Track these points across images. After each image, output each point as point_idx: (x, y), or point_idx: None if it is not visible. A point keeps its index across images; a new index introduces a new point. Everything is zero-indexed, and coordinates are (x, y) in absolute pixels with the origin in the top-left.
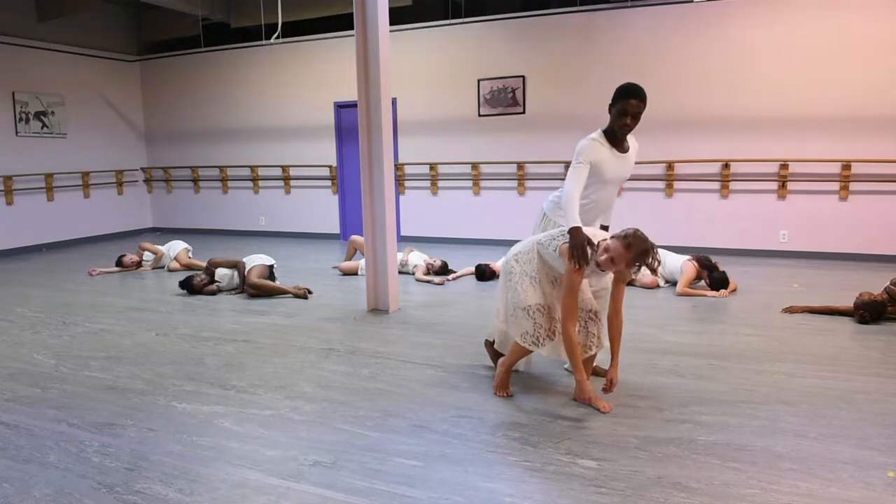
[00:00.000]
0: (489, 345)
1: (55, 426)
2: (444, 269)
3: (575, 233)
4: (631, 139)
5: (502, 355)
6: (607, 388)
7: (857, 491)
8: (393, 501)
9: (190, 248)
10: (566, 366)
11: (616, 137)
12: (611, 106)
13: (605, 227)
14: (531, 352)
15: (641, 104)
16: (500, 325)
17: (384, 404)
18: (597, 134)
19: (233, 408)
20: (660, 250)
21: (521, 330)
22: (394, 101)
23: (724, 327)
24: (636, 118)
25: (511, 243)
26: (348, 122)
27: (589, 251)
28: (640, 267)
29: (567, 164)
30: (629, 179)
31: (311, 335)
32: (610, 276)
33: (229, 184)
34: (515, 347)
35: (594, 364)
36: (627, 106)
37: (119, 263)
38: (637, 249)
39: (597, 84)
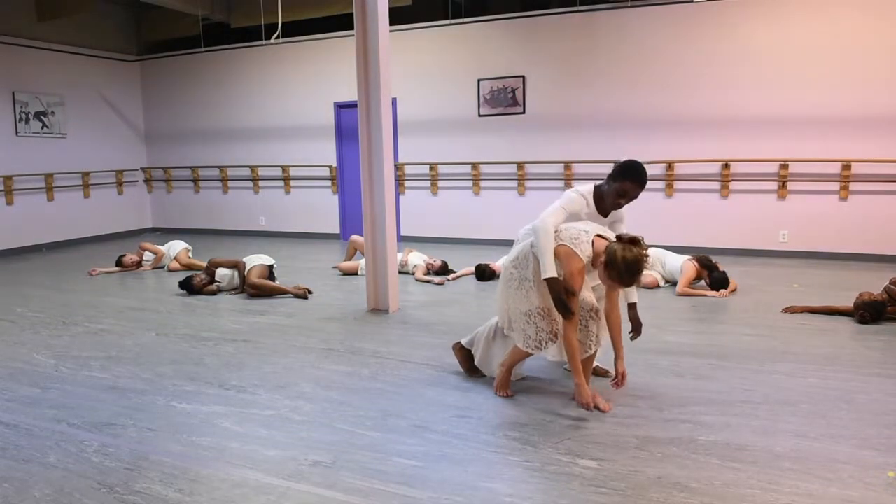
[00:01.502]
0: (459, 349)
1: (55, 426)
2: (444, 269)
3: (552, 284)
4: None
5: (472, 360)
6: (619, 383)
7: (857, 491)
8: (393, 501)
9: (190, 248)
10: (566, 366)
11: (604, 203)
12: (612, 177)
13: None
14: (532, 354)
15: (641, 189)
16: (486, 337)
17: (384, 404)
18: (587, 190)
19: (233, 408)
20: (660, 250)
21: (523, 335)
22: (394, 101)
23: (724, 327)
24: (631, 200)
25: (511, 243)
26: (348, 122)
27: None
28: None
29: (566, 164)
30: None
31: (311, 335)
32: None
33: (229, 184)
34: (516, 349)
35: (594, 364)
36: (628, 188)
37: (119, 263)
38: (619, 277)
39: (596, 84)
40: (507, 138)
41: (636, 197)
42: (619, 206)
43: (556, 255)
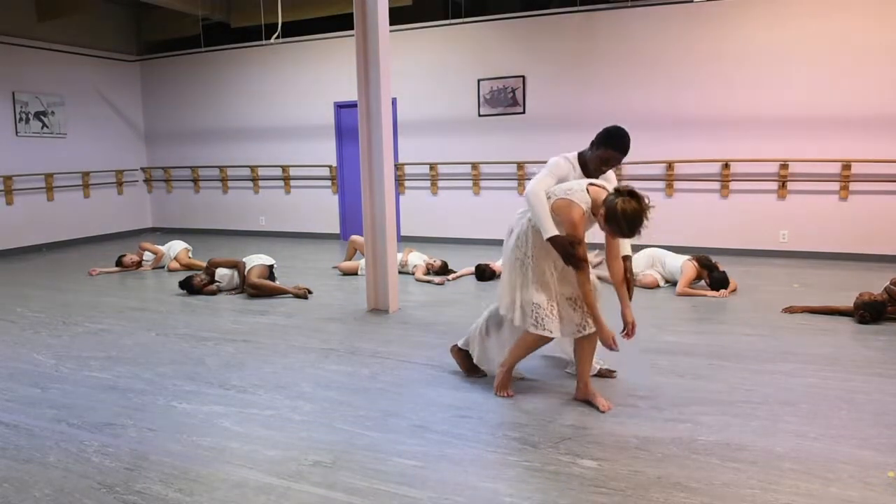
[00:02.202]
0: (456, 351)
1: (55, 426)
2: (443, 269)
3: (556, 242)
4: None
5: (471, 360)
6: (629, 333)
7: (857, 491)
8: (393, 501)
9: (190, 248)
10: (568, 369)
11: (588, 169)
12: (595, 143)
13: None
14: (531, 351)
15: (623, 156)
16: (480, 333)
17: (384, 404)
18: (572, 155)
19: (233, 408)
20: (660, 250)
21: (524, 315)
22: (394, 101)
23: (723, 327)
24: (614, 167)
25: None
26: (348, 122)
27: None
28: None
29: None
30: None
31: (311, 335)
32: (595, 273)
33: (229, 184)
34: (516, 348)
35: (602, 367)
36: (611, 157)
37: (119, 263)
38: (621, 229)
39: (596, 84)
40: (507, 138)
41: (619, 163)
42: (603, 172)
43: (554, 211)
